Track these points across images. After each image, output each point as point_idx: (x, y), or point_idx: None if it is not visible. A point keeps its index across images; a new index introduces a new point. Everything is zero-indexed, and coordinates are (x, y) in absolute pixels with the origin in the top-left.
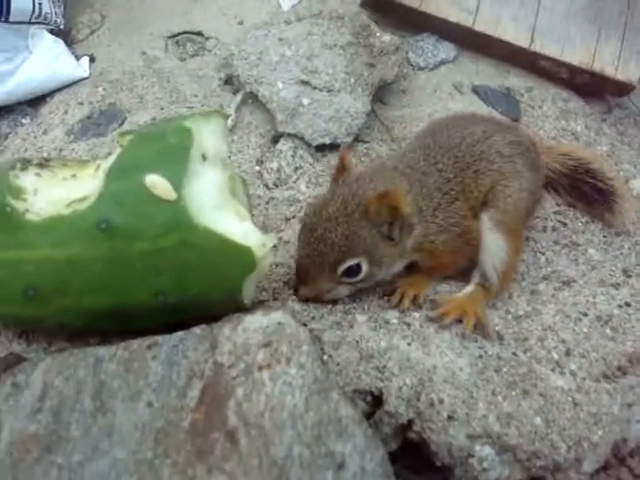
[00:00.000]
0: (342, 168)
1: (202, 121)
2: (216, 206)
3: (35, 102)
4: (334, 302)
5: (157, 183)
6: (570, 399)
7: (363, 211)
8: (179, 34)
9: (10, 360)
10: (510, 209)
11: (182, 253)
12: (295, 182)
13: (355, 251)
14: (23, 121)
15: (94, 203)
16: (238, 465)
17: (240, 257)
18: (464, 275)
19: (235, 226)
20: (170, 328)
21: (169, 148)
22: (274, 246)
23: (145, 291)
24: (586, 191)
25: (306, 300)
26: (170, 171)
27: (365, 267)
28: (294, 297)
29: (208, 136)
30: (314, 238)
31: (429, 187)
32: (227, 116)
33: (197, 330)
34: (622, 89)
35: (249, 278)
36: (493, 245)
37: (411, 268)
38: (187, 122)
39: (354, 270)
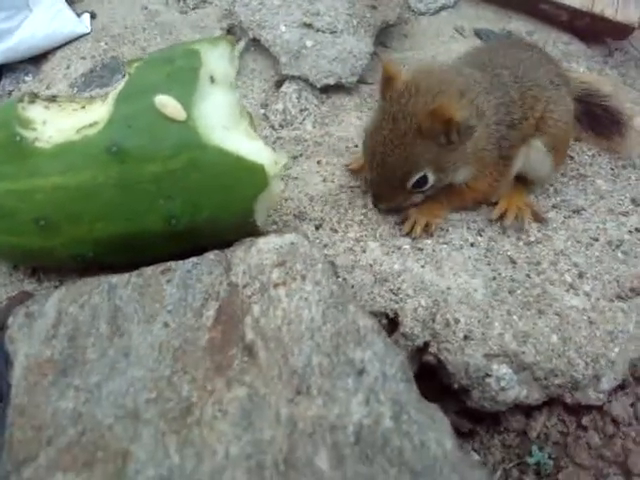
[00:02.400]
0: (388, 80)
1: (210, 46)
2: (226, 126)
3: (37, 59)
4: (345, 232)
5: (166, 103)
6: (585, 318)
7: (416, 129)
8: None
9: (22, 298)
10: (560, 134)
11: (193, 174)
12: (301, 123)
13: (417, 166)
14: (26, 78)
15: (104, 127)
16: (257, 376)
17: (252, 175)
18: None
19: (246, 144)
20: (182, 258)
21: (178, 70)
22: (282, 179)
23: (157, 215)
24: (599, 115)
25: (387, 211)
26: (179, 92)
27: (431, 176)
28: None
29: (216, 59)
30: (376, 163)
31: (496, 97)
32: (234, 42)
33: (210, 255)
34: (622, 31)
35: (262, 198)
36: (542, 167)
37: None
38: (195, 46)
39: (422, 181)
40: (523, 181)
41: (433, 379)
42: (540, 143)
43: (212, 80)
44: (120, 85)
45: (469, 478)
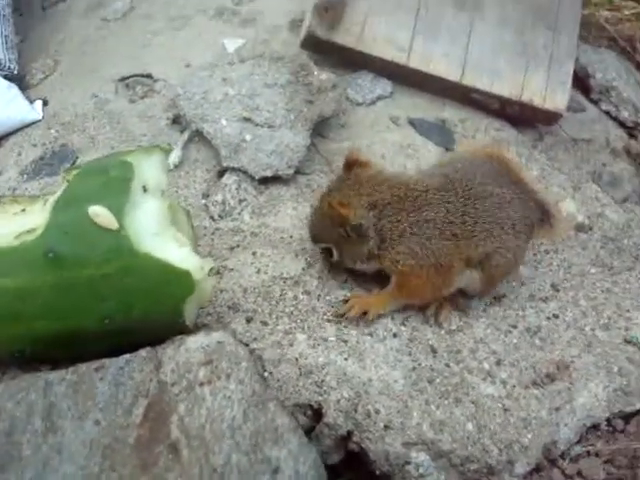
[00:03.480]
0: (348, 163)
1: (143, 155)
2: (156, 233)
3: None
4: (275, 324)
5: (100, 213)
6: (500, 405)
7: (327, 212)
8: (129, 77)
9: None
10: (499, 274)
11: (125, 278)
12: (239, 213)
13: (324, 239)
14: None
15: (41, 234)
16: (180, 475)
17: (180, 280)
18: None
19: (174, 251)
20: (118, 353)
21: (111, 181)
22: (218, 272)
23: (92, 315)
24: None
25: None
26: (112, 202)
27: (335, 253)
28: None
29: (149, 169)
30: (310, 214)
31: (420, 216)
32: (168, 150)
33: (142, 352)
34: (551, 118)
35: (190, 300)
36: (472, 290)
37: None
38: (129, 157)
39: (328, 252)
40: None
41: (360, 465)
42: (477, 276)
43: (144, 189)
44: (58, 192)
45: None
